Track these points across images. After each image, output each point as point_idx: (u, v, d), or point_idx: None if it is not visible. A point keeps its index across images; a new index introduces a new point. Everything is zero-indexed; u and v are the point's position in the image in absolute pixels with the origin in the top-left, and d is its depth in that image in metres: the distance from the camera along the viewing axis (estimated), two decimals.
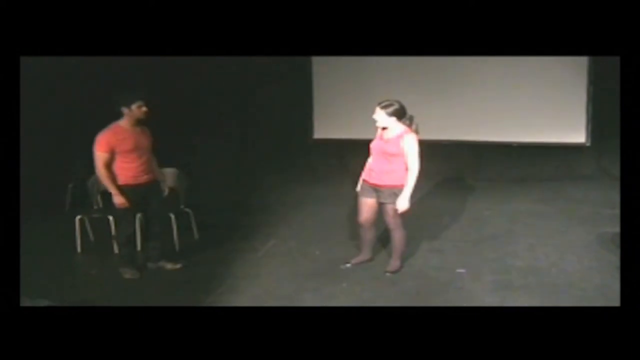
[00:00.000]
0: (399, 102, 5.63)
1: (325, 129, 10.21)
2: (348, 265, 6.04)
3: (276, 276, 5.91)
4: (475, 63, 9.02)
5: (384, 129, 5.69)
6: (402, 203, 5.57)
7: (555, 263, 5.97)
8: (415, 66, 9.32)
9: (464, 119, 9.58)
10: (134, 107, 5.68)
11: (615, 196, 5.88)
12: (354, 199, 6.10)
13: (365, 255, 6.08)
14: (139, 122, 5.80)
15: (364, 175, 5.89)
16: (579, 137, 9.22)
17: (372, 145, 5.78)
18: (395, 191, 5.60)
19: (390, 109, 5.57)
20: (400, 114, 5.61)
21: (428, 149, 9.50)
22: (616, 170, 7.58)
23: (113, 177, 5.73)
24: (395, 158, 5.58)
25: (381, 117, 5.60)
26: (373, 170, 5.75)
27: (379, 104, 5.63)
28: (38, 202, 7.79)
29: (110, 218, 6.25)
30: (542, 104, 9.27)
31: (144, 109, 5.73)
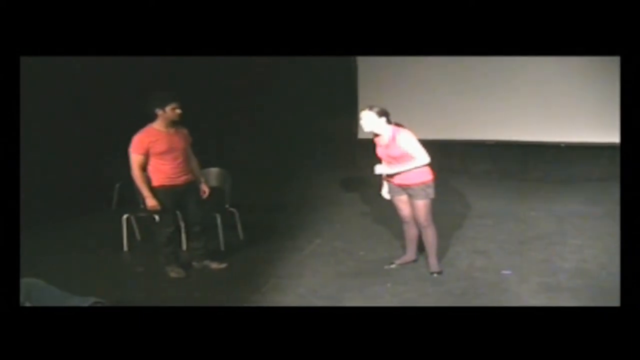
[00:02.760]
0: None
1: None
2: (393, 265, 6.02)
3: (321, 275, 5.93)
4: (522, 63, 8.91)
5: (376, 135, 5.66)
6: (380, 169, 5.69)
7: (604, 265, 5.85)
8: (460, 66, 9.26)
9: (510, 119, 9.48)
10: (167, 108, 5.71)
11: None
12: None
13: (410, 255, 6.05)
14: (174, 124, 5.83)
15: (387, 177, 5.85)
16: None
17: (378, 154, 5.76)
18: (424, 187, 5.58)
19: (378, 109, 5.54)
20: (387, 114, 5.58)
21: (474, 149, 9.45)
22: None
23: (146, 180, 5.78)
24: (403, 158, 5.55)
25: (372, 119, 5.54)
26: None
27: (364, 109, 5.60)
28: (86, 201, 7.96)
29: (156, 217, 6.27)
30: (590, 103, 9.10)
31: (178, 110, 5.76)
